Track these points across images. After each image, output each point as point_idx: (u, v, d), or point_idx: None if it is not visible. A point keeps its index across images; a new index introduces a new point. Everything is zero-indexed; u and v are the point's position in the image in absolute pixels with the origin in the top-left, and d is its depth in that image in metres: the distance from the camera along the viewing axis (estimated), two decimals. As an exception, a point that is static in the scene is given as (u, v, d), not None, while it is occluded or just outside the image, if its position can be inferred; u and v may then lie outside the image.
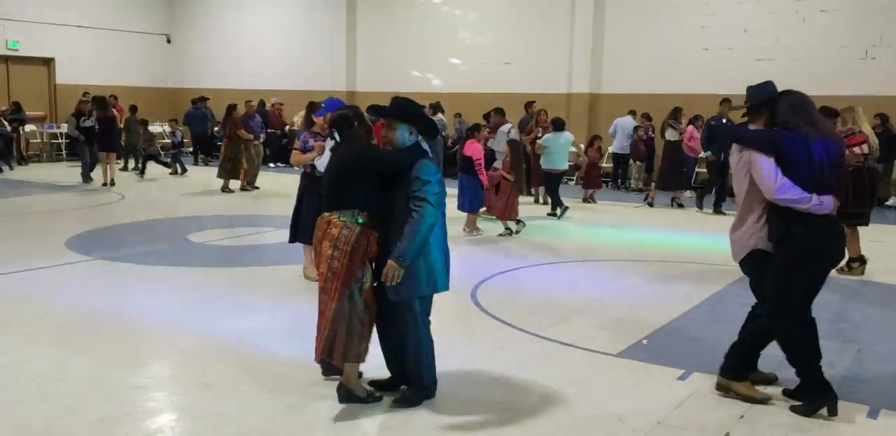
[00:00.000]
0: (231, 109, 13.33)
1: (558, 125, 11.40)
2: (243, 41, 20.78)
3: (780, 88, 4.29)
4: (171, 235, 9.39)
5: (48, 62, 19.77)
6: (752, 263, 4.30)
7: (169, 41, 22.14)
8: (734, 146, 4.36)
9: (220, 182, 13.24)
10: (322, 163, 6.80)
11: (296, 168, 7.02)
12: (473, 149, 9.17)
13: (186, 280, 7.07)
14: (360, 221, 3.97)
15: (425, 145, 4.12)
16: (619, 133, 14.54)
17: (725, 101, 11.16)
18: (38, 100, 19.18)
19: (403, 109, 4.10)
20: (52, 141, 19.35)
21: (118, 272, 7.37)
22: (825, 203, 4.00)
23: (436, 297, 6.53)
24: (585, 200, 12.73)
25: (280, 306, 6.13)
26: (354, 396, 4.10)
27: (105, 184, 13.58)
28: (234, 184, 13.29)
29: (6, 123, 16.59)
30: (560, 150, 11.24)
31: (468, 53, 17.43)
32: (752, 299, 4.49)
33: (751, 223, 4.23)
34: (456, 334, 5.45)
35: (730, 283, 7.03)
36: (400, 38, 18.39)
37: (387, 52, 18.60)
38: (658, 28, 15.27)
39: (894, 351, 5.34)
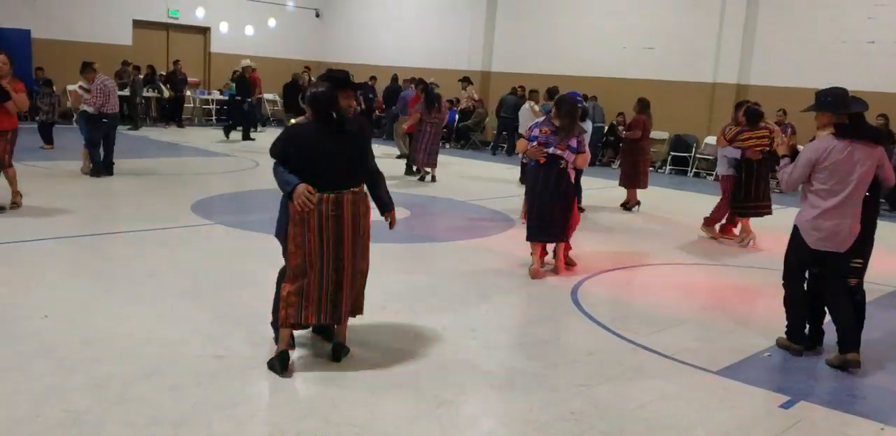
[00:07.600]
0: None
1: None
2: (387, 18, 20.94)
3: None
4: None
5: (204, 31, 20.71)
6: None
7: (318, 15, 22.67)
8: None
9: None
10: None
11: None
12: None
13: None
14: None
15: None
16: None
17: None
18: (193, 67, 20.16)
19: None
20: (204, 106, 20.42)
21: (232, 238, 7.53)
22: None
23: (533, 292, 6.25)
24: None
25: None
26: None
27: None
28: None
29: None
30: None
31: (609, 36, 16.72)
32: None
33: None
34: (544, 334, 5.19)
35: (874, 298, 6.16)
36: (539, 19, 17.92)
37: (525, 32, 18.17)
38: (818, 16, 14.03)
39: None
